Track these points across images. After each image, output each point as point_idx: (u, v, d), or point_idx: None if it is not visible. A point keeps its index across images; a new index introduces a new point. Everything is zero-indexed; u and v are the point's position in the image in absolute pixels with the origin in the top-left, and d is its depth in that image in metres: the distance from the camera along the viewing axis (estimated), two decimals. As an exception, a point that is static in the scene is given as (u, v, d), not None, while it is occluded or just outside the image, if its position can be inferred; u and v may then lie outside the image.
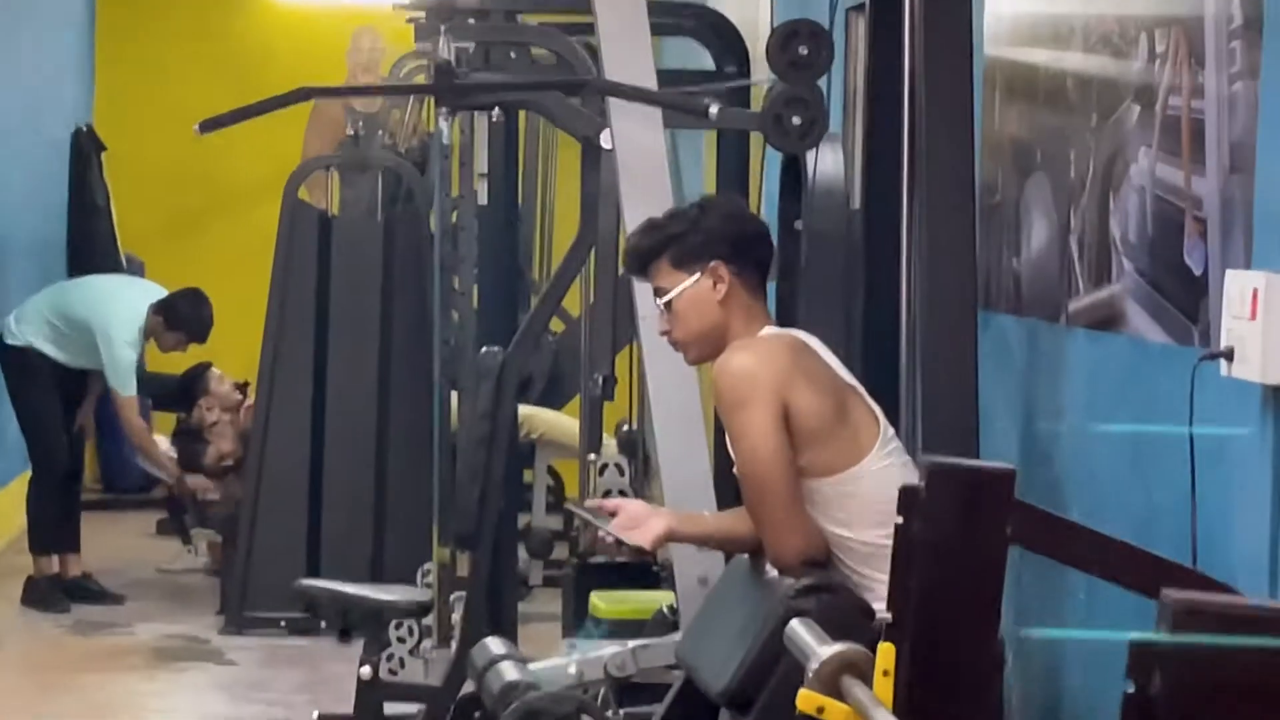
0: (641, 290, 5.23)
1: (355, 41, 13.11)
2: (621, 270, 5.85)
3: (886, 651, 2.90)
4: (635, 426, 8.63)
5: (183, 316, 9.76)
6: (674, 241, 4.48)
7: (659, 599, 6.96)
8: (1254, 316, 3.70)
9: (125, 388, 9.69)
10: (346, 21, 13.26)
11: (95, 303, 9.67)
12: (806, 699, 2.92)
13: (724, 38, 7.35)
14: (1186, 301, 4.21)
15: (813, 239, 6.07)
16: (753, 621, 4.10)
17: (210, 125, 4.92)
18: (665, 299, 4.47)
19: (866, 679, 2.89)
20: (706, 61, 7.82)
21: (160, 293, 9.80)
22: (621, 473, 8.14)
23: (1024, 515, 2.91)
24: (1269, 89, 3.82)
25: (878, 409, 4.45)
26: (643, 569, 7.88)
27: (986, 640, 2.95)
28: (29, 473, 10.12)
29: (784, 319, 6.31)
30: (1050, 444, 5.03)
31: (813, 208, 6.11)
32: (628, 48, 5.19)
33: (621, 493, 8.07)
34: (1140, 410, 4.48)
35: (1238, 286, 3.79)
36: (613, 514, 4.63)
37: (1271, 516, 3.71)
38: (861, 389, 4.47)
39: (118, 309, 9.63)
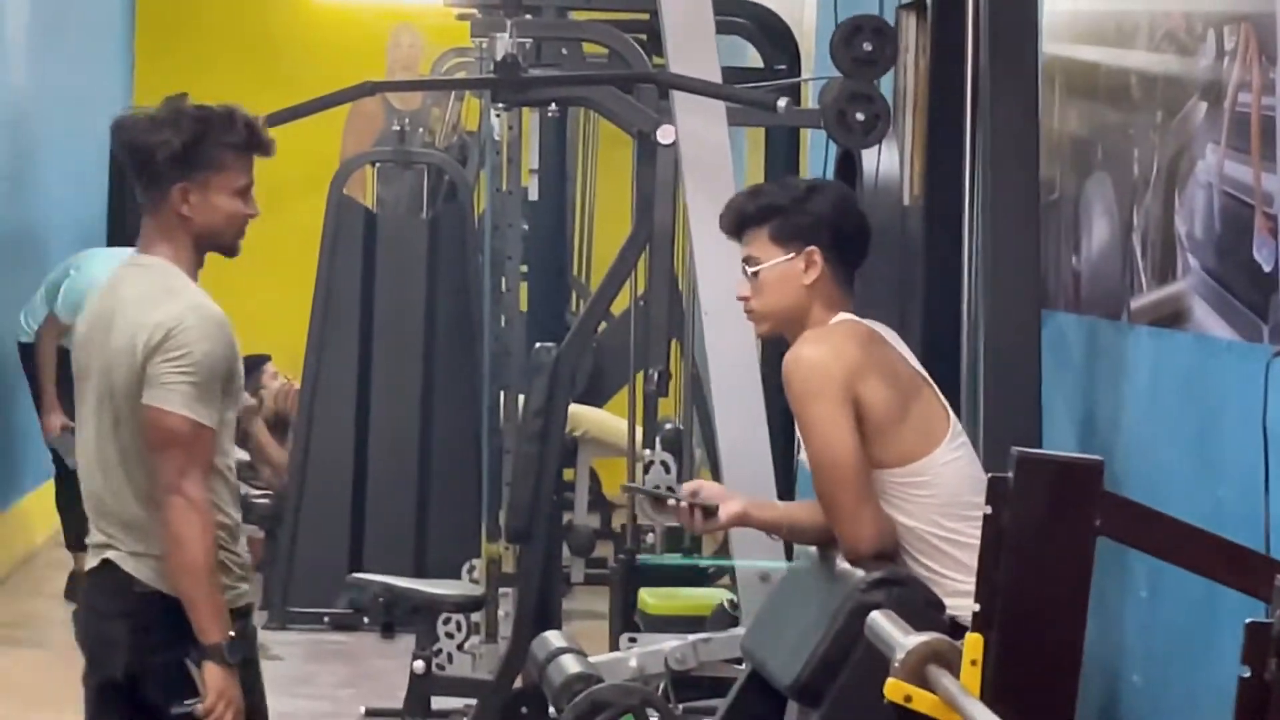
0: (706, 285, 5.25)
1: (394, 39, 13.14)
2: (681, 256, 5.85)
3: (974, 642, 2.93)
4: (681, 425, 8.63)
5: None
6: (778, 214, 4.42)
7: (708, 596, 7.00)
8: (1329, 311, 3.74)
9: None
10: (384, 19, 13.30)
11: (84, 268, 9.70)
12: (894, 688, 2.94)
13: (775, 36, 7.37)
14: (1256, 298, 4.23)
15: (868, 237, 6.12)
16: (823, 615, 4.10)
17: (277, 119, 4.91)
18: (755, 268, 4.43)
19: (953, 669, 2.91)
20: (744, 60, 7.84)
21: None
22: (667, 470, 8.14)
23: (1113, 506, 2.93)
24: (1344, 87, 3.85)
25: (946, 402, 4.44)
26: (690, 567, 7.92)
27: (1073, 631, 2.97)
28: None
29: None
30: (1111, 441, 5.05)
31: (868, 205, 6.14)
32: (693, 42, 5.20)
33: (669, 489, 8.11)
34: (1206, 406, 4.50)
35: (1312, 283, 3.83)
36: (693, 492, 4.60)
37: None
38: (931, 381, 4.46)
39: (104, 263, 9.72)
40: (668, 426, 8.60)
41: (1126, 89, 5.07)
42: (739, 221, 4.47)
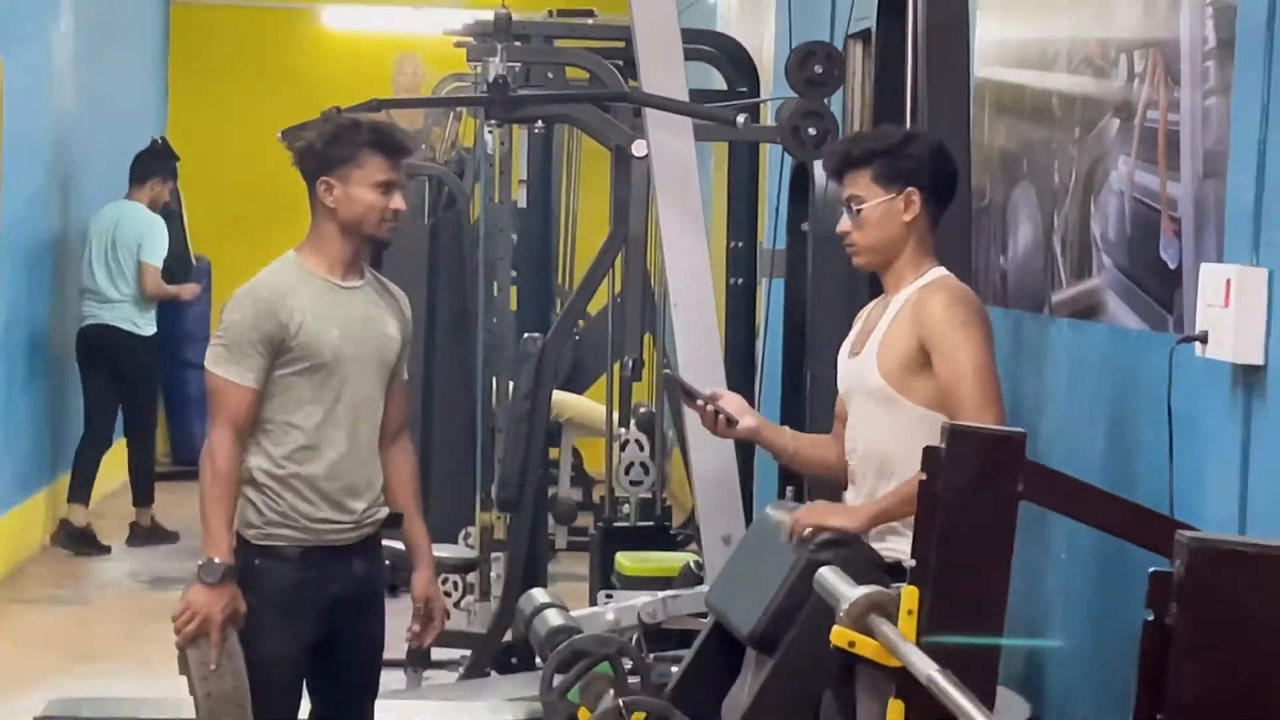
0: (675, 281, 5.25)
1: (399, 65, 13.15)
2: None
3: (910, 594, 2.93)
4: (653, 410, 8.63)
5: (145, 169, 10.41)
6: (881, 157, 4.24)
7: (677, 558, 7.01)
8: (1227, 304, 3.72)
9: (156, 257, 10.29)
10: (390, 48, 13.32)
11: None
12: (840, 634, 2.95)
13: (737, 61, 7.37)
14: (1162, 292, 4.23)
15: (818, 239, 6.09)
16: (778, 572, 4.10)
17: (290, 133, 4.90)
18: (859, 206, 4.25)
19: (891, 618, 2.92)
20: (709, 82, 7.84)
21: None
22: (641, 448, 8.18)
23: (1034, 473, 2.94)
24: (1240, 103, 3.84)
25: None
26: (661, 532, 7.94)
27: (998, 585, 2.97)
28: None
29: (794, 309, 6.36)
30: (1035, 420, 5.04)
31: (819, 211, 6.14)
32: (663, 66, 5.20)
33: (643, 465, 8.13)
34: (1118, 389, 4.50)
35: (1212, 278, 3.81)
36: (717, 396, 4.50)
37: (1240, 477, 3.75)
38: None
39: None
40: (642, 409, 8.62)
41: (1049, 107, 5.07)
42: (843, 163, 4.31)
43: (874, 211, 4.21)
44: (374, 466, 4.61)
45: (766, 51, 8.70)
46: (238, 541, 4.49)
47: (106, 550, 9.99)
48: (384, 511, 4.64)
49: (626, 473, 8.08)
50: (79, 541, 9.98)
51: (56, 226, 10.46)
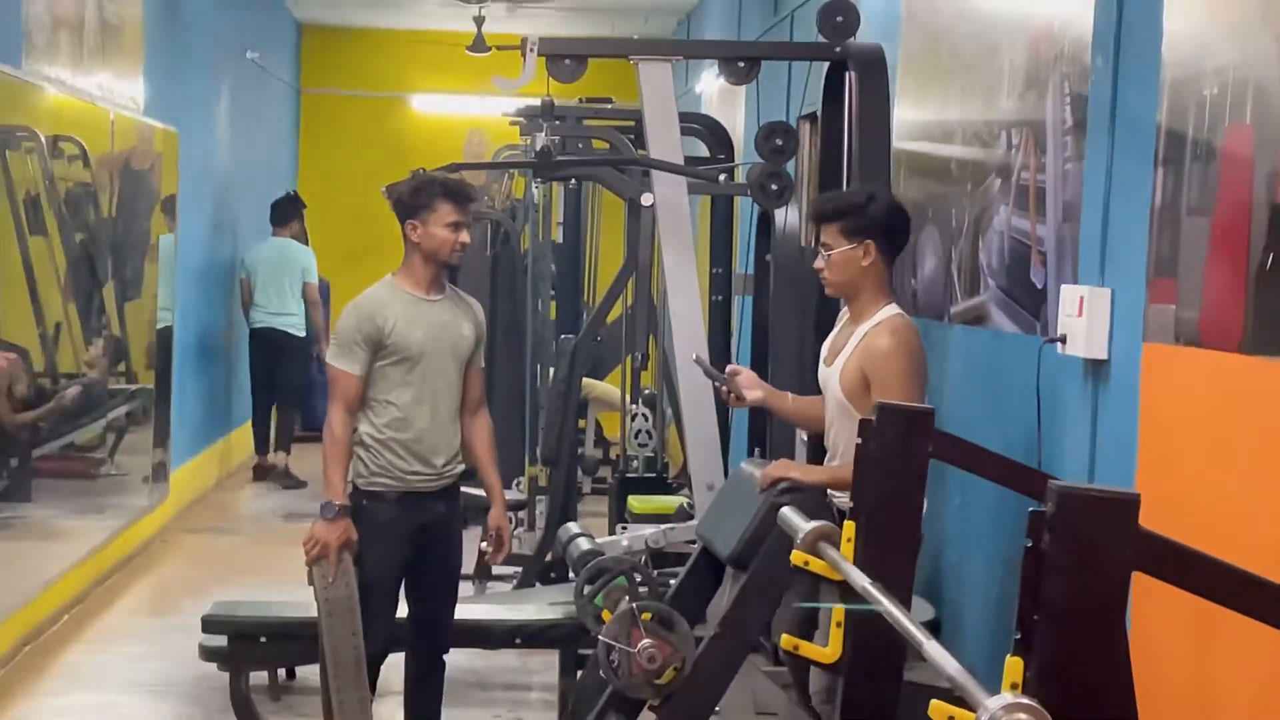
0: (673, 298, 5.22)
1: (469, 138, 13.11)
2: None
3: (850, 526, 2.91)
4: (655, 391, 8.63)
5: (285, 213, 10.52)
6: (846, 215, 4.11)
7: (673, 500, 7.00)
8: (1080, 314, 3.73)
9: (314, 277, 10.60)
10: (462, 125, 13.30)
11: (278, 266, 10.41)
12: (797, 556, 2.93)
13: (718, 135, 7.37)
14: (1032, 306, 4.24)
15: (778, 268, 6.08)
16: (750, 511, 4.09)
17: (388, 188, 4.88)
18: (829, 252, 4.13)
19: (835, 545, 2.91)
20: (698, 150, 7.84)
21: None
22: (646, 419, 8.18)
23: (940, 438, 2.90)
24: (1090, 168, 3.84)
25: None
26: (661, 481, 7.93)
27: (913, 520, 2.90)
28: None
29: (759, 318, 6.36)
30: (937, 402, 5.02)
31: (778, 247, 6.13)
32: (665, 140, 5.18)
33: (648, 432, 8.12)
34: (999, 377, 4.51)
35: (1069, 295, 3.82)
36: (734, 374, 4.39)
37: (1090, 441, 3.75)
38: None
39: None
40: (647, 391, 8.62)
41: (948, 170, 5.08)
42: (818, 217, 4.21)
43: (839, 257, 4.13)
44: (453, 432, 4.62)
45: (738, 128, 8.70)
46: (351, 488, 4.52)
47: (303, 485, 10.11)
48: (460, 467, 4.66)
49: (635, 437, 8.08)
50: (284, 478, 10.28)
51: (216, 255, 10.47)
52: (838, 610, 2.89)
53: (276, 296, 10.39)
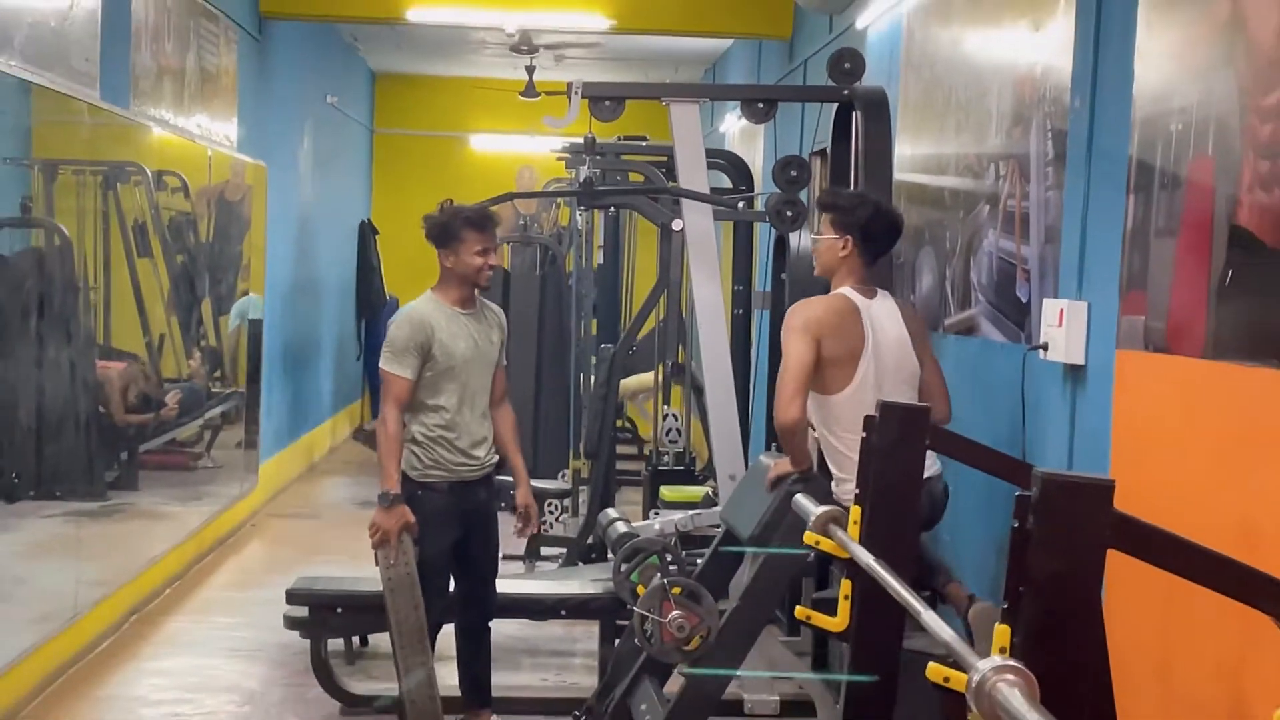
0: (700, 312, 5.20)
1: (520, 173, 13.11)
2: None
3: (857, 511, 2.88)
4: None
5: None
6: (837, 210, 4.14)
7: (699, 490, 6.98)
8: (1060, 324, 3.71)
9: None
10: (515, 161, 13.32)
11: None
12: (809, 537, 2.91)
13: (739, 168, 7.35)
14: (1017, 318, 4.22)
15: (792, 285, 6.05)
16: (767, 498, 4.09)
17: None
18: (817, 238, 4.18)
19: (844, 527, 2.89)
20: (722, 182, 7.83)
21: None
22: (676, 419, 8.15)
23: (936, 433, 2.89)
24: (1069, 195, 3.83)
25: (868, 366, 4.02)
26: (689, 472, 7.91)
27: (913, 505, 2.88)
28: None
29: (776, 336, 6.29)
30: (933, 402, 5.03)
31: (792, 267, 6.11)
32: (693, 172, 5.17)
33: (677, 430, 8.10)
34: (988, 381, 4.49)
35: (1050, 308, 3.80)
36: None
37: (1068, 436, 3.73)
38: (872, 349, 4.02)
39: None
40: (670, 414, 8.60)
41: (943, 198, 5.06)
42: (819, 206, 4.24)
43: (824, 244, 4.18)
44: (487, 427, 4.64)
45: (757, 162, 8.68)
46: (405, 479, 4.51)
47: None
48: (495, 458, 4.67)
49: (667, 435, 8.06)
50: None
51: (299, 274, 10.50)
52: (845, 585, 2.87)
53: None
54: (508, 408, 4.78)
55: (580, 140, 6.60)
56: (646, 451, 10.33)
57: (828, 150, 5.47)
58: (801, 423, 3.96)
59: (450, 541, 4.58)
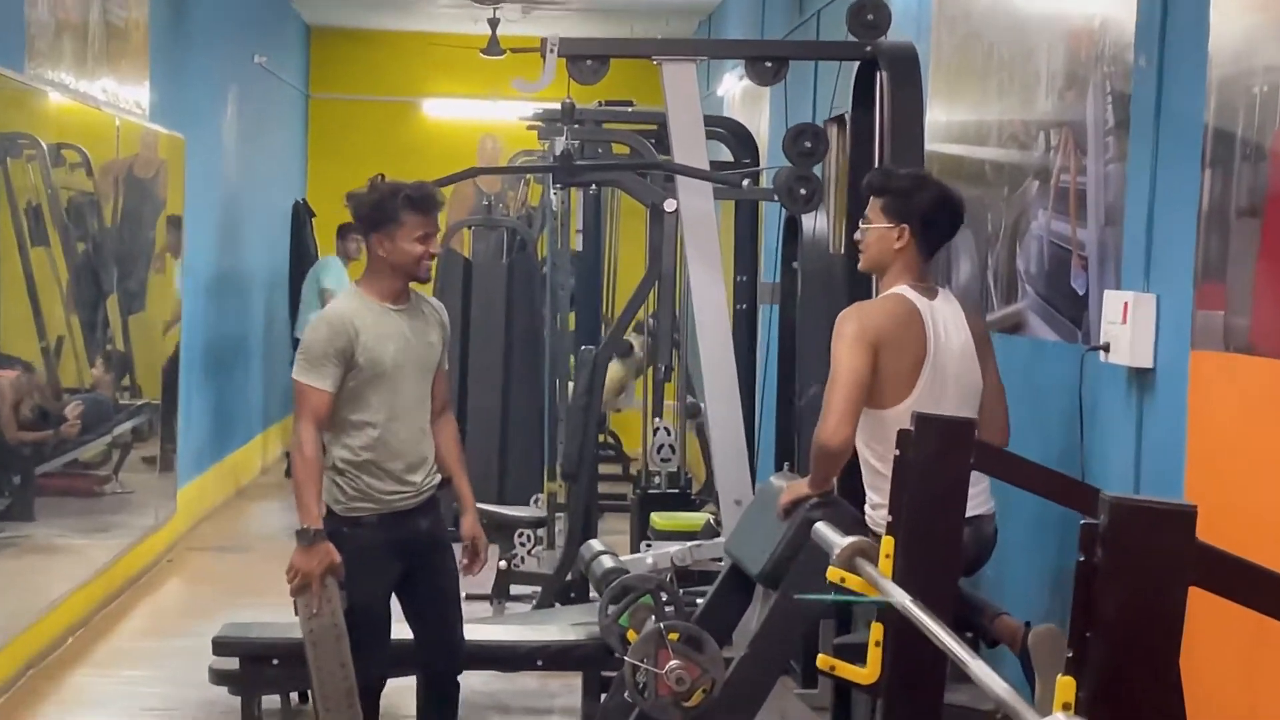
0: (699, 307, 5.21)
1: (482, 144, 13.17)
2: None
3: (888, 542, 2.89)
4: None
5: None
6: (890, 194, 4.06)
7: (698, 517, 6.99)
8: (1124, 321, 3.71)
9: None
10: (475, 130, 13.35)
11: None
12: (833, 573, 2.90)
13: (742, 139, 7.36)
14: (1073, 313, 4.22)
15: (806, 275, 6.09)
16: (780, 527, 4.08)
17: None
18: (866, 225, 4.10)
19: (872, 560, 2.89)
20: (722, 155, 7.85)
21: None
22: (669, 433, 8.19)
23: (982, 449, 2.89)
24: (1133, 168, 3.83)
25: (928, 378, 3.97)
26: (685, 496, 7.93)
27: (954, 535, 2.90)
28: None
29: (785, 328, 6.35)
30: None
31: (806, 254, 6.12)
32: (690, 144, 5.15)
33: (670, 446, 8.11)
34: (1040, 386, 4.48)
35: (1112, 301, 3.80)
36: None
37: (1134, 453, 3.73)
38: (933, 358, 3.98)
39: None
40: (690, 401, 8.63)
41: (983, 173, 5.06)
42: (867, 189, 4.16)
43: (874, 234, 4.10)
44: (427, 445, 4.53)
45: (762, 132, 8.69)
46: (329, 514, 4.42)
47: None
48: (438, 479, 4.59)
49: (658, 452, 8.07)
50: None
51: (224, 262, 10.50)
52: (876, 629, 2.87)
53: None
54: (449, 418, 4.69)
55: (556, 106, 6.59)
56: (635, 472, 10.40)
57: (846, 117, 5.47)
58: (849, 447, 3.92)
59: (387, 584, 4.49)
